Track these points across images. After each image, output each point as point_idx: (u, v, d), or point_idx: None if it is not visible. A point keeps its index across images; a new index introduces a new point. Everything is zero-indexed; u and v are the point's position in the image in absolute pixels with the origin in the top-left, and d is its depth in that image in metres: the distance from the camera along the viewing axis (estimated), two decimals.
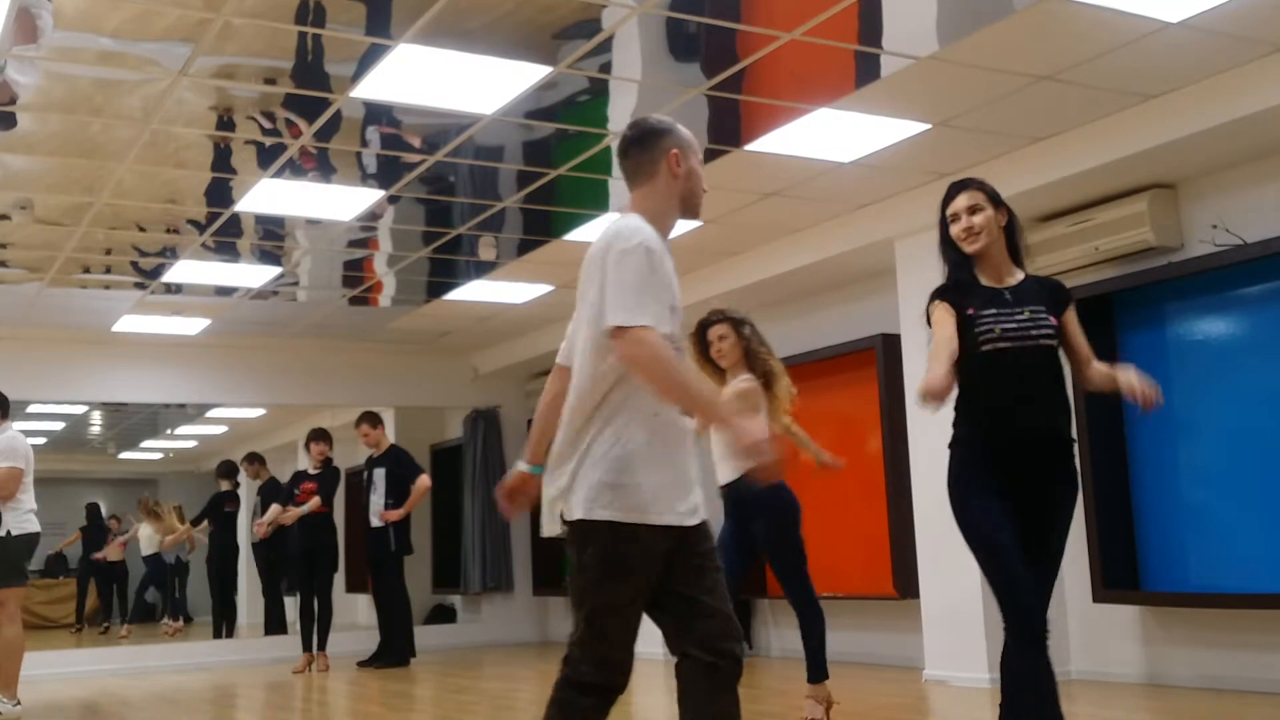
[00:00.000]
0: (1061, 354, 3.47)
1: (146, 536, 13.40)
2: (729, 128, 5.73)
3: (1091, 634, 6.46)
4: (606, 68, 5.01)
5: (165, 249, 7.41)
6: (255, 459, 11.37)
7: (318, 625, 9.00)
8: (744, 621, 8.68)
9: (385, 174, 6.23)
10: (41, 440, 13.71)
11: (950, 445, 3.46)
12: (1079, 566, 6.48)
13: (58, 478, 13.56)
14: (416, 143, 5.81)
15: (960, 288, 3.52)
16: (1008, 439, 3.36)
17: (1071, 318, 3.47)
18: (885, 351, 7.32)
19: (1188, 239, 6.06)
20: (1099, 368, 3.46)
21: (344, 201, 6.61)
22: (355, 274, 8.33)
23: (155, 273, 7.93)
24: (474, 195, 6.67)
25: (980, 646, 6.31)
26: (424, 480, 9.06)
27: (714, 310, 5.11)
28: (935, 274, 6.62)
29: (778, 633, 8.41)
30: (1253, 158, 5.77)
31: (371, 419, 9.21)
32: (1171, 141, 5.54)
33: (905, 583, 7.09)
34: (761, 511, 4.96)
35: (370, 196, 6.55)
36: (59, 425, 14.22)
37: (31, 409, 11.54)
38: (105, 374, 9.92)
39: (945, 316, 3.47)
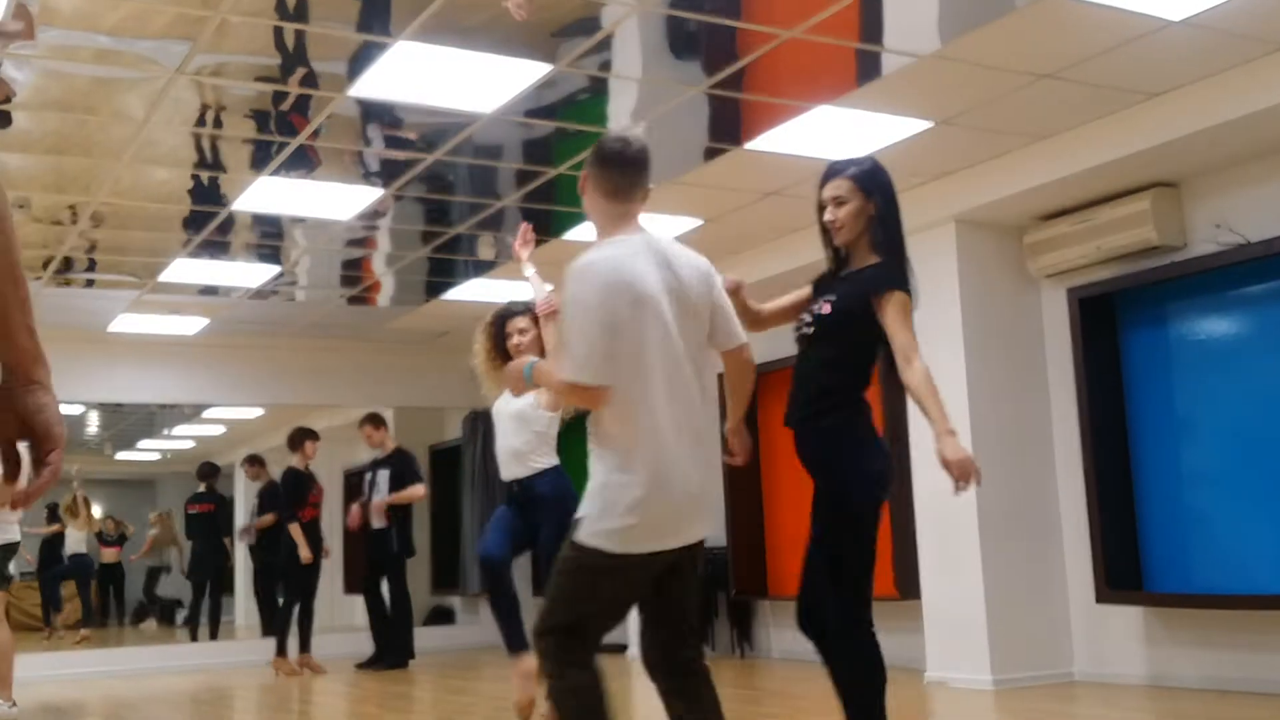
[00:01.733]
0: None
1: (71, 536, 13.28)
2: (729, 126, 5.69)
3: (1094, 635, 6.42)
4: (606, 66, 4.98)
5: (162, 248, 7.38)
6: (255, 461, 11.33)
7: (301, 627, 8.92)
8: (744, 622, 8.64)
9: (384, 173, 6.20)
10: None
11: None
12: (1082, 567, 6.45)
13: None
14: (415, 141, 5.78)
15: (824, 278, 3.51)
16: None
17: (882, 306, 3.26)
18: (886, 351, 7.27)
19: (1191, 238, 6.03)
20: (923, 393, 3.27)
21: (342, 200, 6.57)
22: (354, 273, 8.30)
23: (152, 272, 7.90)
24: (473, 194, 6.64)
25: (983, 648, 6.28)
26: (419, 488, 9.00)
27: (512, 301, 4.94)
28: (938, 273, 6.64)
29: (779, 634, 8.38)
30: (1256, 156, 5.75)
31: (374, 420, 9.18)
32: (1174, 140, 5.51)
33: (906, 583, 7.05)
34: (540, 505, 4.85)
35: (369, 195, 6.52)
36: None
37: None
38: (102, 374, 9.88)
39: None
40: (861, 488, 3.25)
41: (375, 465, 9.15)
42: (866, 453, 3.30)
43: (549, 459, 4.88)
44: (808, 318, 3.38)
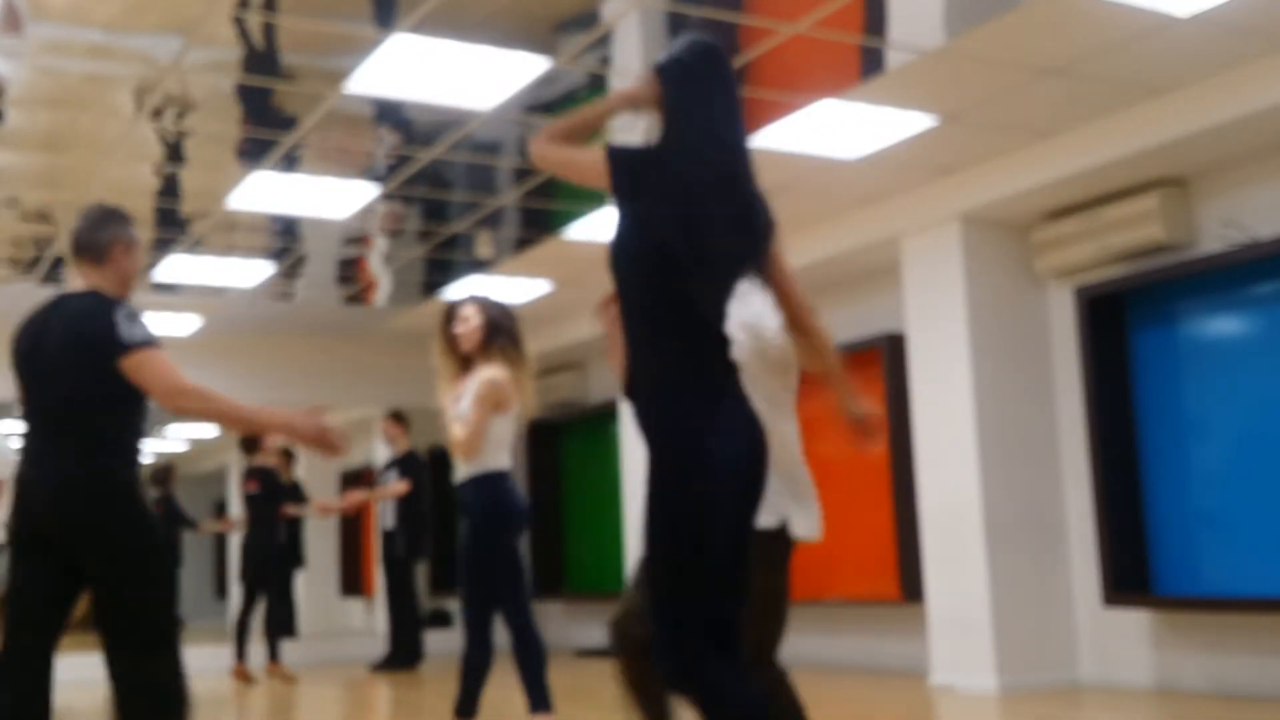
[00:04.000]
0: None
1: None
2: None
3: (1100, 639, 6.35)
4: (606, 61, 4.91)
5: (157, 247, 7.30)
6: (285, 454, 11.26)
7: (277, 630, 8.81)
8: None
9: (381, 170, 6.13)
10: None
11: None
12: (1088, 570, 6.38)
13: None
14: (414, 138, 5.70)
15: None
16: None
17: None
18: (890, 352, 7.22)
19: (1199, 236, 5.96)
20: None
21: (339, 198, 6.50)
22: (351, 272, 8.23)
23: (145, 271, 7.82)
24: (472, 192, 6.57)
25: (988, 652, 6.20)
26: (398, 485, 8.92)
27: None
28: (943, 272, 6.57)
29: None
30: (1265, 153, 5.68)
31: (392, 417, 9.23)
32: (1182, 137, 5.45)
33: (910, 586, 6.98)
34: (467, 513, 4.62)
35: (366, 193, 6.44)
36: None
37: (18, 410, 11.41)
38: None
39: None
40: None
41: (387, 466, 9.15)
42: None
43: (482, 465, 4.60)
44: None
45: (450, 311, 4.72)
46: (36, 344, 3.26)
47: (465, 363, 4.68)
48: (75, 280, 3.35)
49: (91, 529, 3.13)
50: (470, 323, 4.62)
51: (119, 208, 3.41)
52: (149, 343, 3.18)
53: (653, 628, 2.43)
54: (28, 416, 3.31)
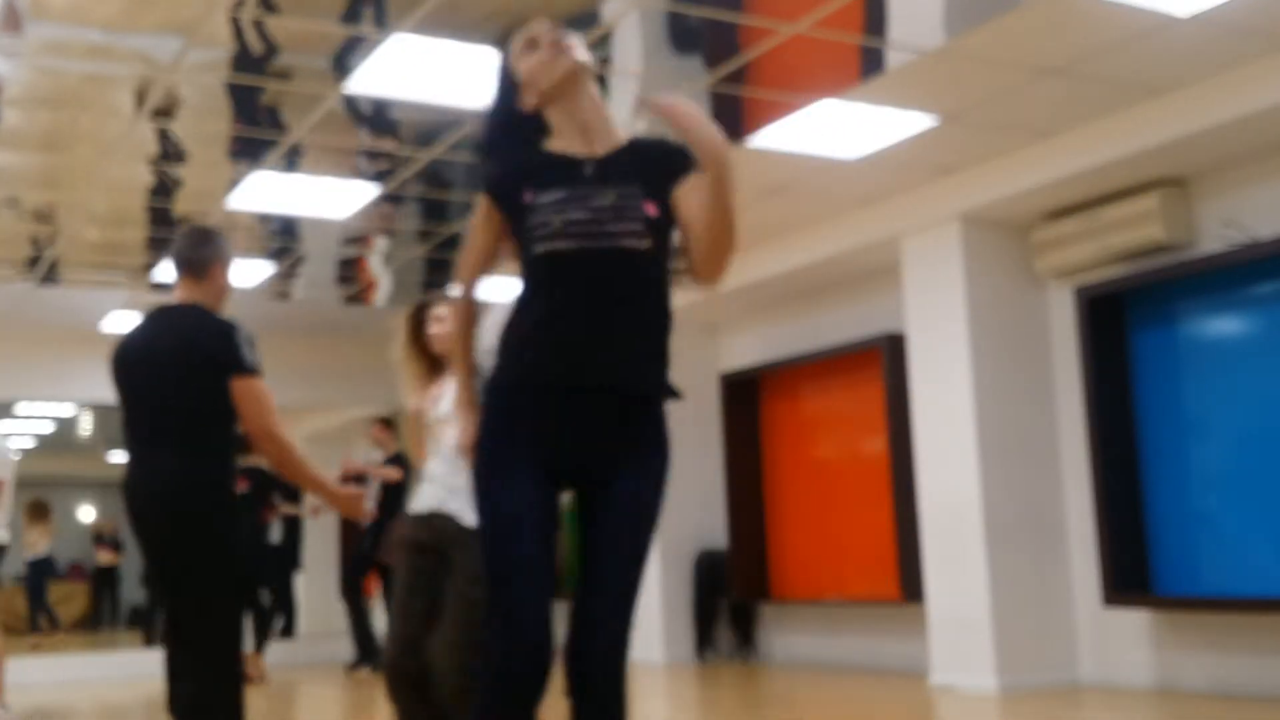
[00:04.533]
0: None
1: (32, 540, 12.99)
2: (730, 122, 5.62)
3: (1100, 639, 6.35)
4: (607, 61, 4.91)
5: (156, 247, 7.29)
6: None
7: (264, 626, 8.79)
8: (746, 626, 8.54)
9: (380, 170, 6.13)
10: (30, 442, 13.56)
11: (485, 393, 2.44)
12: (1088, 570, 6.38)
13: (45, 481, 13.38)
14: (414, 138, 5.70)
15: (514, 158, 2.45)
16: (561, 384, 2.31)
17: (690, 189, 2.40)
18: (890, 352, 7.22)
19: (1199, 236, 5.96)
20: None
21: (339, 198, 6.49)
22: (351, 272, 8.23)
23: (145, 270, 7.82)
24: (472, 192, 6.57)
25: (988, 652, 6.20)
26: (391, 470, 8.87)
27: (436, 291, 4.68)
28: (943, 272, 6.57)
29: (781, 638, 8.30)
30: (1265, 153, 5.68)
31: (382, 422, 9.21)
32: (1182, 137, 5.45)
33: (910, 586, 6.98)
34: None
35: (366, 193, 6.44)
36: (47, 426, 14.07)
37: (19, 410, 11.40)
38: (94, 373, 9.72)
39: (481, 221, 2.50)
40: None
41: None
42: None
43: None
44: (625, 220, 2.33)
45: (421, 310, 4.52)
46: (143, 353, 3.42)
47: (434, 364, 4.47)
48: (173, 293, 3.57)
49: (189, 533, 3.31)
50: (448, 324, 4.46)
51: (217, 229, 3.72)
52: (258, 372, 3.40)
53: (613, 634, 2.31)
54: (131, 423, 3.45)
